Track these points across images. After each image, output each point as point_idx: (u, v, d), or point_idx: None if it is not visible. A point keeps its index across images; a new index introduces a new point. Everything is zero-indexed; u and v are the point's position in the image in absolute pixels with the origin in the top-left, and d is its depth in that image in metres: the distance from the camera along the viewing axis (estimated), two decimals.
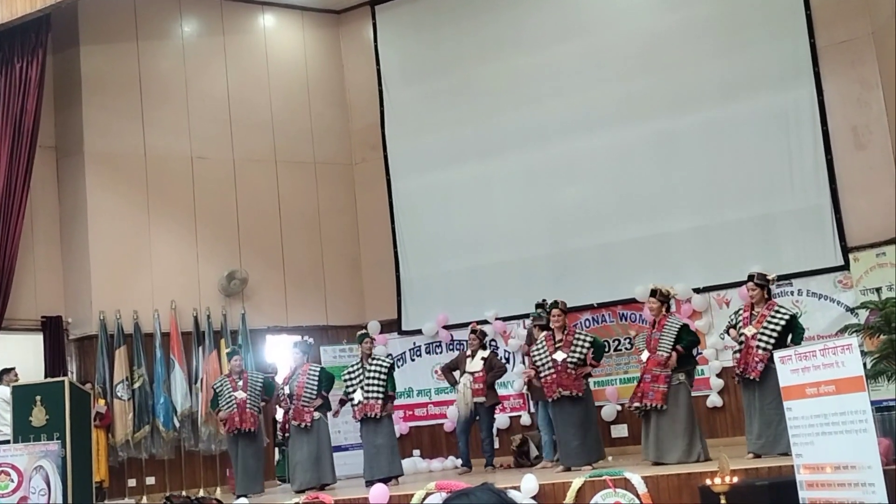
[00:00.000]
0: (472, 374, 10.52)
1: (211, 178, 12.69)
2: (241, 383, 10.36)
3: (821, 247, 10.79)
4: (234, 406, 10.25)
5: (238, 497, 9.78)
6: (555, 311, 9.30)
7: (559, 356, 9.00)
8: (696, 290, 11.20)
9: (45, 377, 11.11)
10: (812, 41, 11.05)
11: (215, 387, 10.65)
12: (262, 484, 10.36)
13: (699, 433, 8.73)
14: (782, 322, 8.36)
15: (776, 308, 8.50)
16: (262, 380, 10.57)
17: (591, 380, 9.77)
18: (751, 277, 8.64)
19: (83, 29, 12.27)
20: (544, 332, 9.47)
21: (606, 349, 11.28)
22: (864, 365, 6.00)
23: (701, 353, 10.97)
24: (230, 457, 10.62)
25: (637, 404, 8.79)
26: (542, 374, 9.17)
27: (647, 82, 11.86)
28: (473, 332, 10.78)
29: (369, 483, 9.37)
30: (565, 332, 9.21)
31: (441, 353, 12.61)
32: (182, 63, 12.84)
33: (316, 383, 10.03)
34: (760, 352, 8.24)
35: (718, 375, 11.02)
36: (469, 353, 10.65)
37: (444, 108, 13.09)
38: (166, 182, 12.42)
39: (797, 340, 8.28)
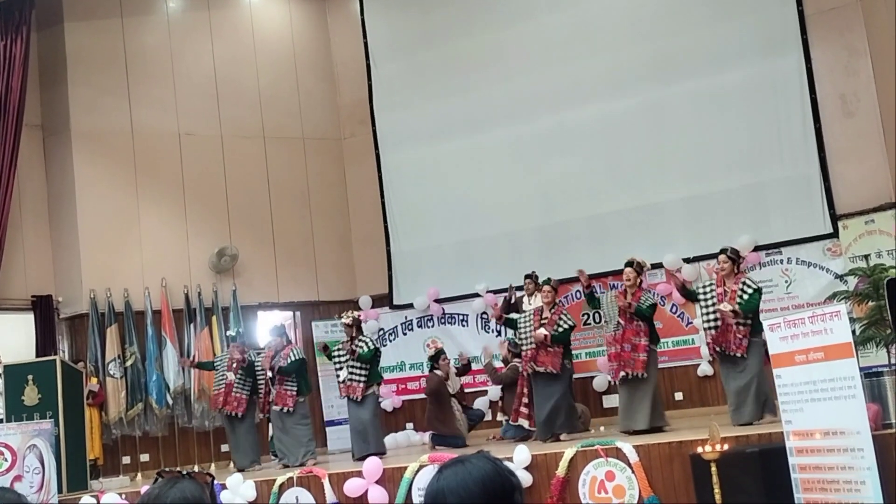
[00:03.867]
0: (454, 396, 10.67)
1: (199, 154, 12.63)
2: (234, 365, 10.36)
3: (810, 215, 10.83)
4: (223, 385, 10.30)
5: (237, 471, 9.81)
6: (546, 288, 9.33)
7: (541, 332, 9.02)
8: (686, 260, 11.23)
9: (37, 356, 11.12)
10: (800, 9, 11.02)
11: (216, 359, 10.81)
12: (258, 458, 10.40)
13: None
14: (753, 295, 8.27)
15: (743, 281, 8.36)
16: (248, 369, 10.46)
17: (582, 351, 9.79)
18: (723, 251, 8.53)
19: (67, 5, 12.14)
20: (533, 307, 9.51)
21: (597, 321, 11.34)
22: (853, 332, 6.04)
23: (692, 323, 11.03)
24: (226, 433, 10.69)
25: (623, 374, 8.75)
26: (524, 348, 9.24)
27: (635, 52, 11.82)
28: (444, 359, 10.72)
29: (357, 459, 9.53)
30: (552, 310, 9.24)
31: (433, 326, 12.65)
32: (167, 39, 12.74)
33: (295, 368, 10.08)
34: (741, 328, 8.16)
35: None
36: (445, 375, 10.65)
37: (431, 81, 13.02)
38: (154, 159, 12.36)
39: (745, 307, 8.14)
